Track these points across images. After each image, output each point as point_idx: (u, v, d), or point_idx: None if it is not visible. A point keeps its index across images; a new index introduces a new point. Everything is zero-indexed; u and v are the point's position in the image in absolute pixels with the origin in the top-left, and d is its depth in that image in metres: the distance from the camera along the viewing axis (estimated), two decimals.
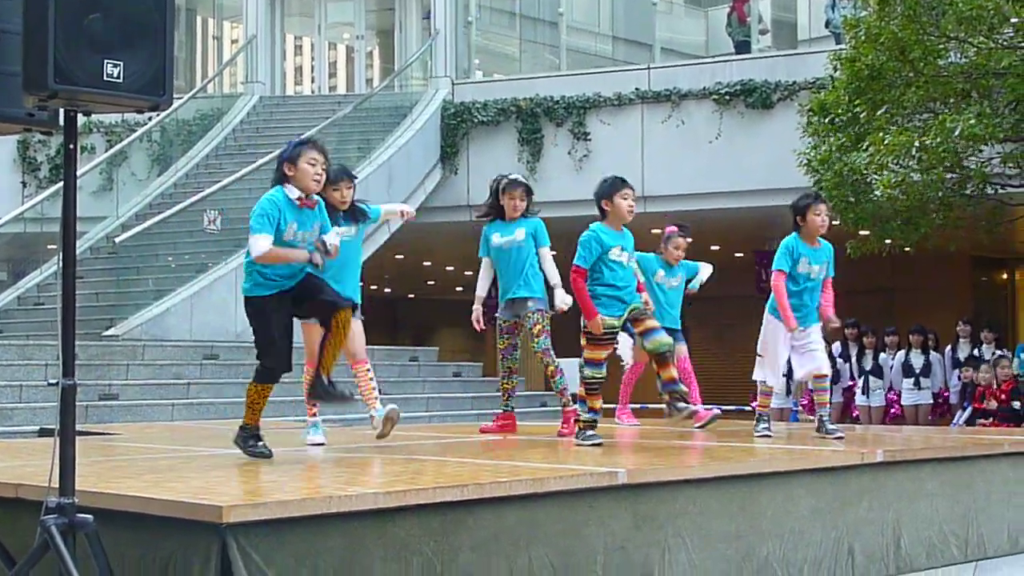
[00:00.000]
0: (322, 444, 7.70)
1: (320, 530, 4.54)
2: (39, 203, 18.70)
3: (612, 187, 7.81)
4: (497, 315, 8.83)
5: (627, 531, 5.57)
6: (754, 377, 8.58)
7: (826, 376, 8.45)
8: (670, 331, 8.94)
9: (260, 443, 6.65)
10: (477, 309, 9.00)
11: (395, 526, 4.74)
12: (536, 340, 8.59)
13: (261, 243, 6.50)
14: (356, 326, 7.56)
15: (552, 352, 8.63)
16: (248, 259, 6.68)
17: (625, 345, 9.20)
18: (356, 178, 7.89)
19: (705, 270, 9.96)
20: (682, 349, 9.54)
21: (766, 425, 8.47)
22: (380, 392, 7.77)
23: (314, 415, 7.89)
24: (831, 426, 8.28)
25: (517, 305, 8.67)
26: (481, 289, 9.02)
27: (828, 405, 8.53)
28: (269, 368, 6.69)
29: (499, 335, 8.89)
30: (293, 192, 6.60)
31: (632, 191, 7.86)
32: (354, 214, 7.82)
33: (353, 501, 4.64)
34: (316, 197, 6.74)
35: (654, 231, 8.42)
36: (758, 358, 8.57)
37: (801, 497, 6.38)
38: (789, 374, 9.26)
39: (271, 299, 6.66)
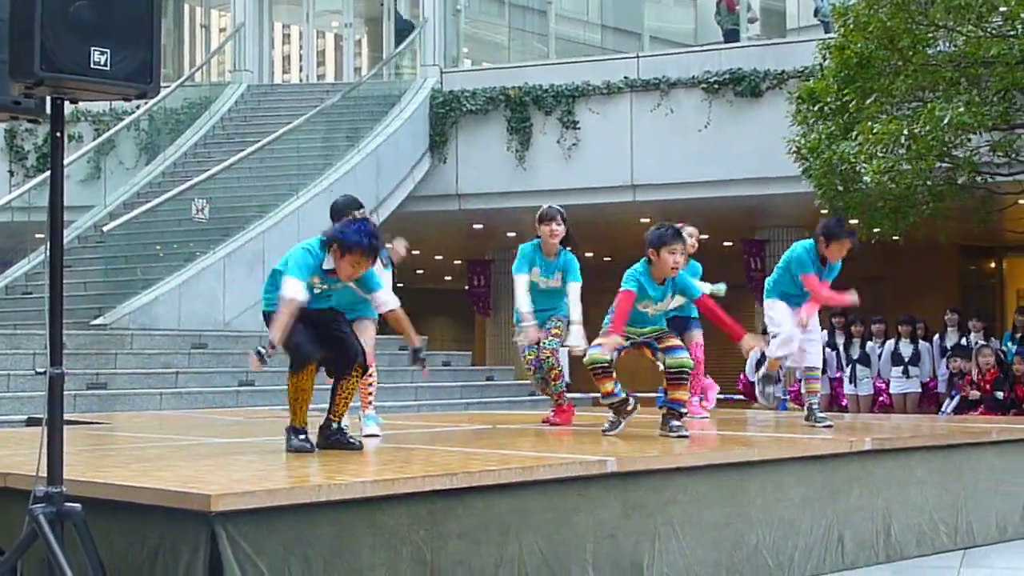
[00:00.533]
0: (377, 436, 7.52)
1: (309, 519, 4.53)
2: (26, 192, 18.63)
3: (661, 239, 7.37)
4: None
5: (617, 519, 5.57)
6: (773, 355, 8.53)
7: (818, 367, 8.55)
8: (684, 319, 8.98)
9: (302, 436, 6.42)
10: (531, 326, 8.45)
11: (384, 515, 4.74)
12: (550, 339, 8.50)
13: (294, 288, 6.22)
14: (370, 330, 7.58)
15: (559, 358, 8.59)
16: (272, 283, 6.48)
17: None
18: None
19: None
20: (697, 336, 9.46)
21: (823, 415, 8.38)
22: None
23: (369, 403, 7.77)
24: (820, 414, 8.32)
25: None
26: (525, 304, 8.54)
27: (818, 394, 8.59)
28: (301, 356, 6.36)
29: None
30: (329, 263, 6.40)
31: (682, 244, 7.45)
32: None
33: (342, 490, 4.64)
34: None
35: (642, 220, 8.41)
36: (771, 339, 8.56)
37: (791, 485, 6.39)
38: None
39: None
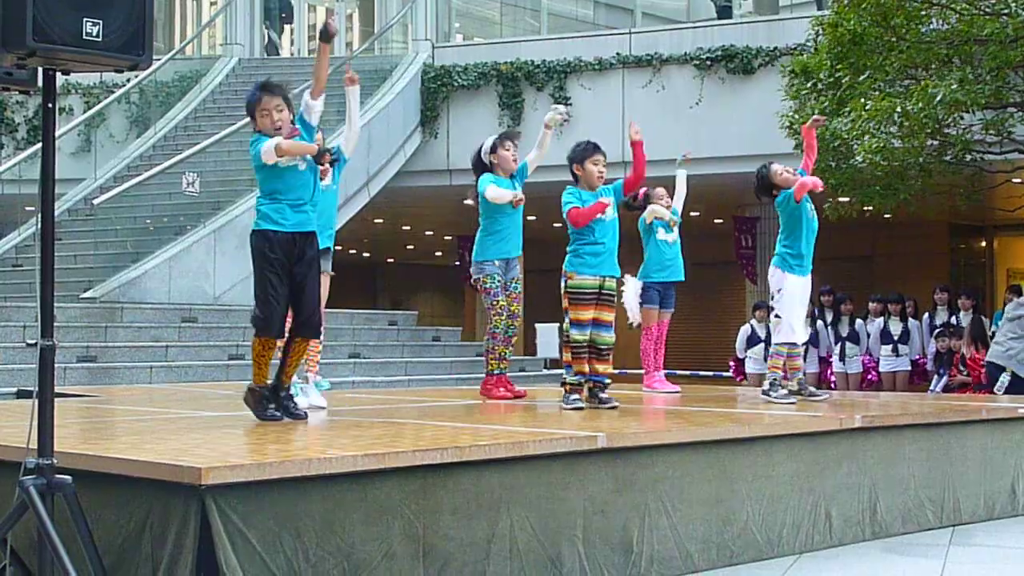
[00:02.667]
0: (323, 408, 7.54)
1: (301, 493, 4.53)
2: (17, 164, 18.57)
3: (584, 152, 7.82)
4: (493, 274, 8.74)
5: (607, 495, 5.58)
6: (779, 341, 8.56)
7: (800, 344, 8.72)
8: (667, 285, 9.09)
9: (271, 406, 6.54)
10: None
11: (375, 489, 4.74)
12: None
13: (267, 145, 6.42)
14: (323, 286, 7.51)
15: None
16: (259, 197, 6.58)
17: (631, 302, 9.16)
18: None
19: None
20: (666, 316, 9.54)
21: (785, 391, 8.46)
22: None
23: (315, 370, 7.77)
24: (812, 388, 8.45)
25: (513, 265, 8.79)
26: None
27: (802, 370, 8.74)
28: (263, 318, 6.46)
29: (494, 294, 8.72)
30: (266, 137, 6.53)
31: (603, 157, 7.87)
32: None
33: (333, 464, 4.64)
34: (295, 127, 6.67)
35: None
36: (774, 318, 8.61)
37: (780, 462, 6.41)
38: (767, 340, 9.37)
39: (276, 240, 6.46)
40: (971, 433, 7.54)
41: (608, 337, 7.59)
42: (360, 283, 34.99)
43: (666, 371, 9.98)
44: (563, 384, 7.68)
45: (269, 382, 6.65)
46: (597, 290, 7.58)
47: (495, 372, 8.85)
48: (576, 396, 7.50)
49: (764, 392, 8.55)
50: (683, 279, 9.90)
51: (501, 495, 5.16)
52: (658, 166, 20.21)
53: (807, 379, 9.17)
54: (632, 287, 9.17)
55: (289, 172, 6.53)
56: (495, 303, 8.71)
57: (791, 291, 8.50)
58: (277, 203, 6.49)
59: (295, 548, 4.50)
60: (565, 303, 7.62)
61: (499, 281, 8.71)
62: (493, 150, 8.84)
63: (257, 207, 6.60)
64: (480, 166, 8.95)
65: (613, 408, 7.45)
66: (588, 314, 7.56)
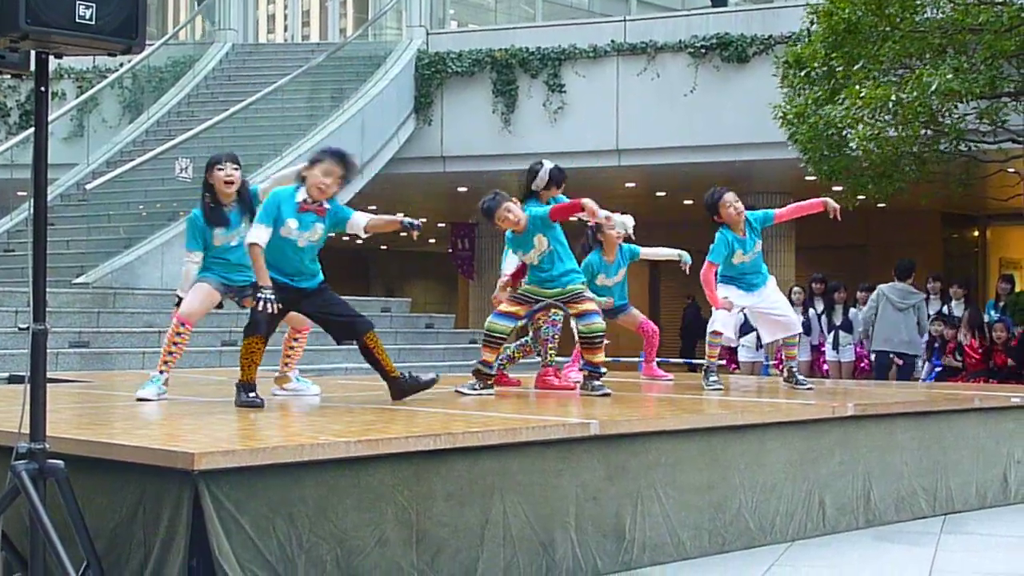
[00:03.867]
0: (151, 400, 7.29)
1: (294, 478, 4.53)
2: (9, 149, 18.52)
3: (489, 211, 7.55)
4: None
5: (600, 482, 5.58)
6: (714, 328, 8.61)
7: (796, 333, 8.80)
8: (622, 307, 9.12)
9: (252, 393, 6.66)
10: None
11: (368, 475, 4.74)
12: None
13: (256, 234, 6.60)
14: None
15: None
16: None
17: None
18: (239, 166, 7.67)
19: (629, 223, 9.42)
20: (637, 314, 9.50)
21: (716, 378, 8.58)
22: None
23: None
24: (801, 377, 8.52)
25: None
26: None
27: (796, 359, 8.82)
28: (254, 322, 6.68)
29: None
30: (301, 195, 6.72)
31: (508, 206, 7.54)
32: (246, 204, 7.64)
33: (325, 449, 4.63)
34: (326, 205, 6.79)
35: (627, 184, 8.38)
36: (715, 311, 8.66)
37: (773, 450, 6.41)
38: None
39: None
40: (964, 422, 7.55)
41: (594, 324, 7.51)
42: (353, 270, 35.00)
43: (659, 359, 9.97)
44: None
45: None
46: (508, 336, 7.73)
47: (551, 364, 8.70)
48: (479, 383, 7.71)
49: (786, 380, 8.73)
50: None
51: (494, 481, 5.16)
52: (652, 154, 20.38)
53: (800, 368, 9.22)
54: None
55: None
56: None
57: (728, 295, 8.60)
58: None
59: (288, 533, 4.49)
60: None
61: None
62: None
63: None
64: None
65: (606, 395, 7.45)
66: (490, 357, 7.69)
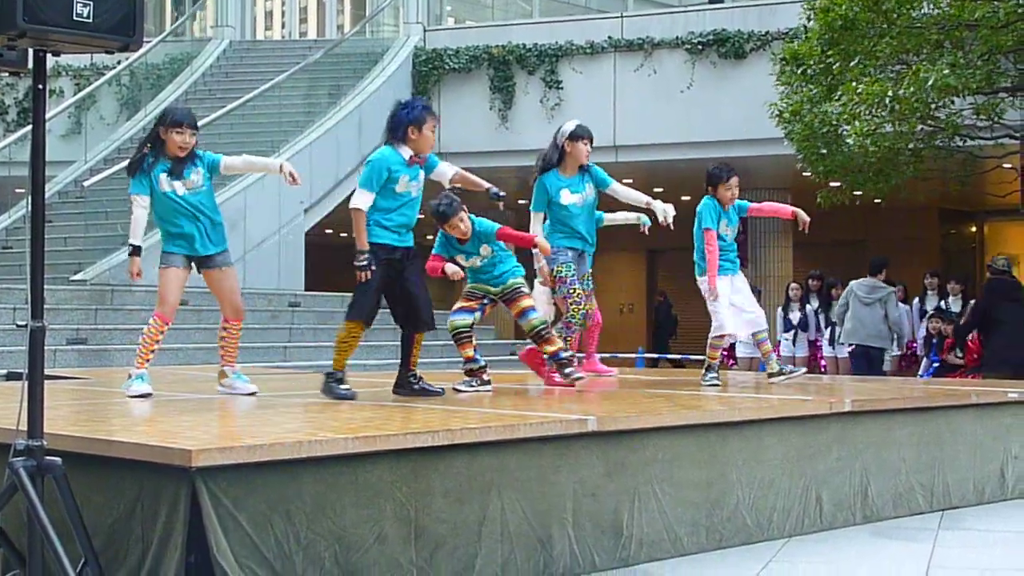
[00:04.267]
0: (148, 395, 7.27)
1: (292, 475, 4.53)
2: (7, 146, 18.51)
3: (444, 216, 7.77)
4: (568, 262, 8.40)
5: (598, 478, 5.59)
6: (718, 333, 8.62)
7: (764, 329, 8.89)
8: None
9: (343, 386, 6.96)
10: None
11: (367, 472, 4.74)
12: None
13: (361, 199, 6.98)
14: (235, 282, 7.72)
15: None
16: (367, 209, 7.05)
17: (539, 299, 9.06)
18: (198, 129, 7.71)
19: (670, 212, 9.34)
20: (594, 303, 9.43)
21: (715, 375, 8.61)
22: None
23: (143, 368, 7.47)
24: (784, 366, 8.89)
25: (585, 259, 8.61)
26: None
27: (771, 353, 8.92)
28: (355, 304, 7.06)
29: (571, 282, 8.40)
30: (406, 152, 7.09)
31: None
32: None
33: (323, 446, 4.63)
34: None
35: (624, 181, 8.37)
36: (714, 313, 8.66)
37: (771, 446, 6.41)
38: None
39: (380, 250, 7.01)
40: (961, 418, 7.55)
41: (533, 321, 7.72)
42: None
43: (660, 355, 9.99)
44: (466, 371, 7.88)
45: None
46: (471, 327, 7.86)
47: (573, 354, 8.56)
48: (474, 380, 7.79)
49: (769, 376, 8.77)
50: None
51: (492, 478, 5.17)
52: (649, 150, 20.37)
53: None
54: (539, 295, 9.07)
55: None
56: (572, 291, 8.38)
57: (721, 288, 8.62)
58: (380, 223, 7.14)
59: (286, 530, 4.50)
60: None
61: (574, 270, 8.40)
62: (572, 139, 8.46)
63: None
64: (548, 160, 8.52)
65: (581, 379, 7.73)
66: (469, 352, 7.84)
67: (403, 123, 7.12)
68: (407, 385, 7.24)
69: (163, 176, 7.41)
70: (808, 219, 8.69)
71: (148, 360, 7.42)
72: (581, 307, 8.38)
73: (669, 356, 22.88)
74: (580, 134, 8.46)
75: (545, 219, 8.48)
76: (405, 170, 7.06)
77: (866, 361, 14.53)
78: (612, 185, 8.56)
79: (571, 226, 8.42)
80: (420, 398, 7.09)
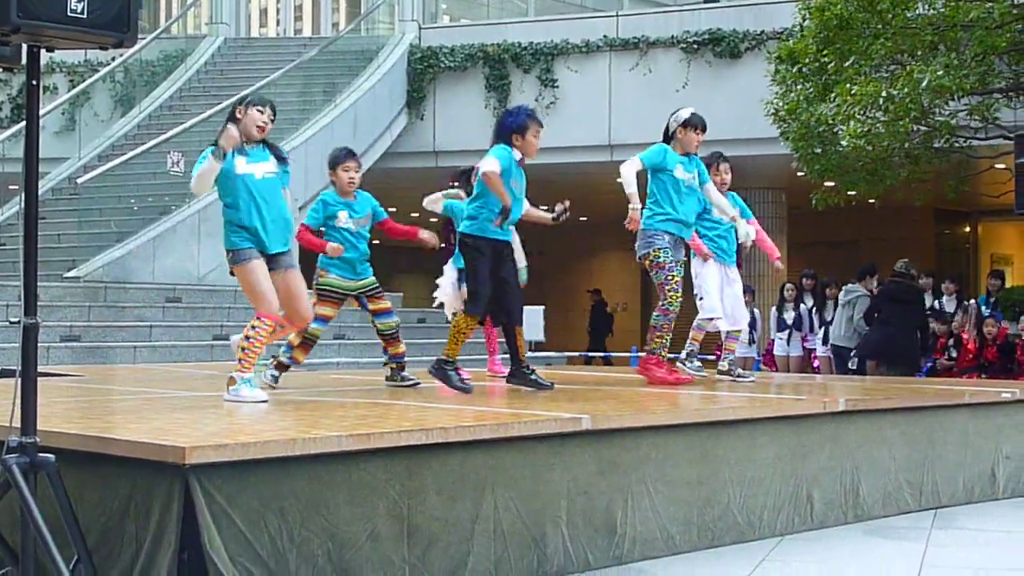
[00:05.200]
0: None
1: (285, 473, 4.53)
2: (0, 143, 18.49)
3: (335, 160, 8.50)
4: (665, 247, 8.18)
5: (591, 476, 5.59)
6: (707, 315, 8.64)
7: (739, 330, 9.10)
8: None
9: (461, 379, 7.39)
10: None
11: (360, 469, 4.74)
12: None
13: (491, 163, 7.26)
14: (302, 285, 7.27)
15: None
16: (477, 202, 7.45)
17: (446, 295, 9.03)
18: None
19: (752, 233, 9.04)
20: None
21: (699, 364, 8.73)
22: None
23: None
24: (740, 370, 9.05)
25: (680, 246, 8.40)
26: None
27: (735, 352, 9.18)
28: (472, 297, 7.41)
29: (669, 268, 8.17)
30: (517, 155, 7.43)
31: (355, 163, 8.71)
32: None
33: (317, 444, 4.63)
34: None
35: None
36: (698, 301, 8.69)
37: (763, 445, 6.42)
38: (752, 324, 9.43)
39: (485, 243, 7.38)
40: (953, 417, 7.56)
41: (389, 322, 8.12)
42: None
43: (592, 353, 10.04)
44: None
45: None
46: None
47: (656, 351, 8.35)
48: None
49: (727, 374, 8.91)
50: None
51: (486, 476, 5.17)
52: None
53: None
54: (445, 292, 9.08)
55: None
56: (670, 277, 8.15)
57: (705, 270, 8.67)
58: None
59: (279, 528, 4.50)
60: (315, 299, 8.05)
61: (672, 256, 8.18)
62: (684, 126, 8.66)
63: (473, 210, 7.57)
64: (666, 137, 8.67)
65: (414, 385, 8.03)
66: (332, 311, 8.12)
67: (508, 130, 7.46)
68: (522, 376, 7.61)
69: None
70: (783, 268, 9.52)
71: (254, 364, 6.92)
72: (679, 294, 8.16)
73: (604, 355, 22.72)
74: (694, 123, 8.60)
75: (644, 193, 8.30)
76: (516, 169, 7.44)
77: (840, 360, 14.73)
78: (708, 184, 8.57)
79: (674, 204, 8.22)
80: (530, 388, 7.54)
